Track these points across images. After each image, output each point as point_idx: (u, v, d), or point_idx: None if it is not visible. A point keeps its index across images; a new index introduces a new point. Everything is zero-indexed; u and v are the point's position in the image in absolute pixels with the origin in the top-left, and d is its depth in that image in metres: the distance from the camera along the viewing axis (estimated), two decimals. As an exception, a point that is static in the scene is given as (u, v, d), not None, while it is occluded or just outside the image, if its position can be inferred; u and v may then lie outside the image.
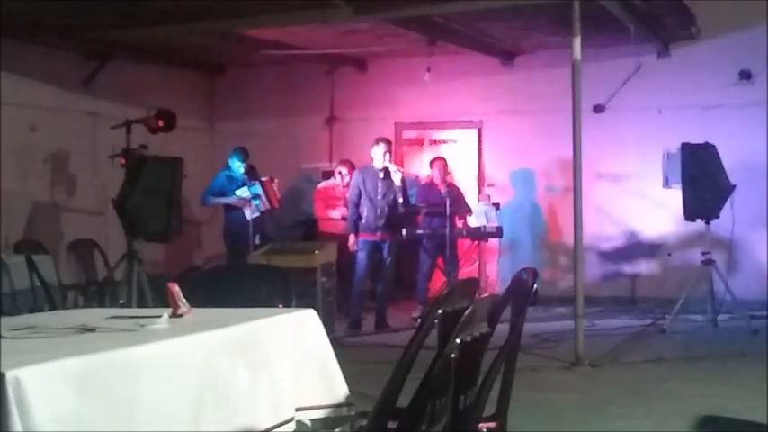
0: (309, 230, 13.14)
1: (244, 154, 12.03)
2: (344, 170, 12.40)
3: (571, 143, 8.98)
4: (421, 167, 13.66)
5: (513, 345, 4.14)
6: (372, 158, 11.29)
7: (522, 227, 13.42)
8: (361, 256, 11.28)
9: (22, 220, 11.85)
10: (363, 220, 11.25)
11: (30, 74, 11.87)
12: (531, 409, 6.62)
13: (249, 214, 11.52)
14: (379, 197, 11.22)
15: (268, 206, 11.69)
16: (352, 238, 11.30)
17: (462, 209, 12.04)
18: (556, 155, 12.78)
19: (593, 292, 11.70)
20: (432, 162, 12.33)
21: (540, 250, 13.39)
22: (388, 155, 11.22)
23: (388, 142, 11.41)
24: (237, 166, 11.94)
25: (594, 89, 12.12)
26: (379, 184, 11.21)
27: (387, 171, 11.22)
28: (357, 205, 11.30)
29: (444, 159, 12.31)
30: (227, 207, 11.95)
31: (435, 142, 14.25)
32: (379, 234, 11.25)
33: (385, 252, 11.33)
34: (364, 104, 14.24)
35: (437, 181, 12.05)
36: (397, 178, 11.19)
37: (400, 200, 11.27)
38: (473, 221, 12.08)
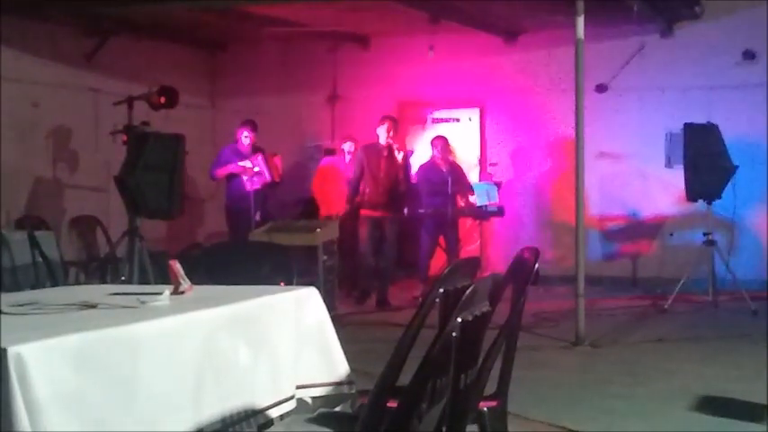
0: (308, 208, 13.12)
1: (253, 126, 11.99)
2: (348, 146, 12.43)
3: (573, 122, 8.97)
4: (423, 146, 13.65)
5: (514, 324, 4.15)
6: (377, 136, 11.34)
7: (524, 206, 13.42)
8: (363, 233, 11.34)
9: (24, 196, 11.86)
10: (366, 197, 11.28)
11: (32, 50, 11.85)
12: (531, 388, 6.63)
13: (249, 184, 11.48)
14: (382, 175, 11.24)
15: (268, 178, 11.68)
16: (352, 214, 11.38)
17: (464, 188, 12.04)
18: (558, 134, 12.77)
19: (595, 272, 11.70)
20: (432, 141, 12.30)
21: (541, 229, 13.38)
22: (392, 132, 11.28)
23: (393, 120, 11.46)
24: (245, 137, 11.87)
25: (597, 68, 12.08)
26: (383, 162, 11.25)
27: (390, 149, 11.26)
28: (360, 182, 11.33)
29: (445, 138, 12.28)
30: (229, 178, 11.91)
31: (437, 121, 14.21)
32: (381, 211, 11.29)
33: (386, 229, 11.37)
34: (366, 82, 14.20)
35: (438, 160, 12.02)
36: (399, 156, 11.25)
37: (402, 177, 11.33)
38: (475, 200, 12.08)
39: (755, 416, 6.06)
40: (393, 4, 11.32)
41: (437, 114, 14.27)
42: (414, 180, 11.95)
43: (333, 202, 12.31)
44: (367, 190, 11.29)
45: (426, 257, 12.02)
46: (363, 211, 11.35)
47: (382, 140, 11.31)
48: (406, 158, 11.56)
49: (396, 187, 11.33)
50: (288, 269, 5.50)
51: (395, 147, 11.31)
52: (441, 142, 12.10)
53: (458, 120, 14.13)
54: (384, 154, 11.27)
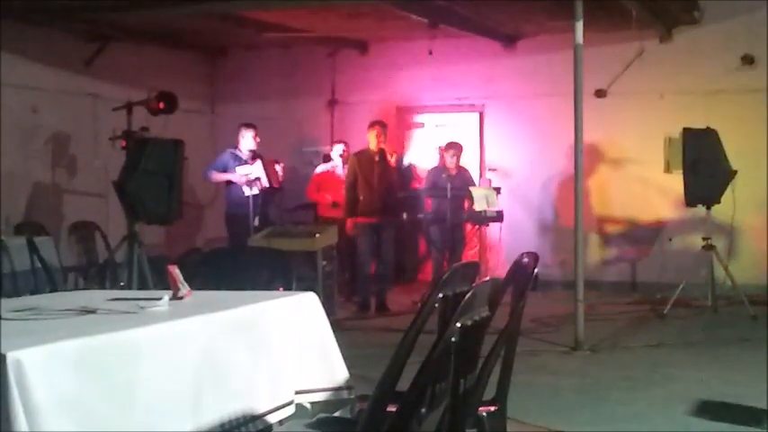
0: (309, 214, 13.11)
1: (253, 129, 11.92)
2: (338, 150, 12.41)
3: (572, 127, 8.97)
4: (423, 151, 13.66)
5: (514, 329, 4.15)
6: (368, 142, 11.34)
7: (524, 211, 13.41)
8: (361, 240, 11.33)
9: (23, 202, 11.86)
10: (361, 204, 11.26)
11: (31, 55, 11.85)
12: (530, 393, 6.64)
13: (248, 190, 11.45)
14: (375, 180, 11.23)
15: (267, 185, 11.64)
16: (349, 222, 11.34)
17: (466, 193, 12.03)
18: (558, 139, 12.76)
19: (594, 277, 11.70)
20: (447, 148, 12.11)
21: (541, 234, 13.38)
22: (382, 137, 11.26)
23: (382, 125, 11.44)
24: (248, 139, 11.79)
25: (596, 73, 12.08)
26: (376, 168, 11.23)
27: (382, 154, 11.25)
28: (354, 189, 11.31)
29: (460, 145, 12.10)
30: (228, 184, 11.86)
31: (437, 126, 14.20)
32: (376, 217, 11.27)
33: (384, 235, 11.35)
34: (365, 87, 14.21)
35: (449, 165, 11.92)
36: (392, 160, 11.24)
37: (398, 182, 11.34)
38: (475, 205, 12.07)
39: (755, 420, 6.07)
40: (392, 9, 11.33)
41: (436, 119, 14.26)
42: (421, 184, 11.95)
43: (329, 208, 12.25)
44: (361, 197, 11.27)
45: (438, 262, 11.93)
46: (359, 219, 11.33)
47: (372, 146, 11.30)
48: (398, 162, 11.53)
49: (390, 192, 11.31)
50: (287, 274, 5.49)
51: (387, 151, 11.30)
52: (455, 150, 11.97)
53: (457, 124, 14.12)
54: (376, 159, 11.26)
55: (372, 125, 11.41)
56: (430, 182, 11.99)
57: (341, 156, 12.41)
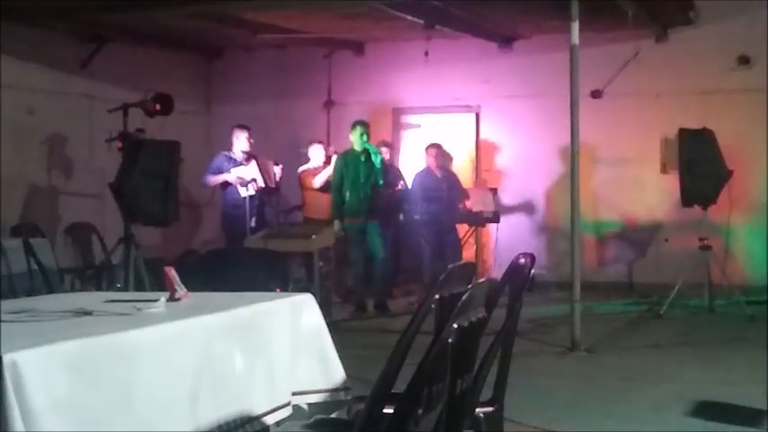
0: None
1: (247, 130, 11.88)
2: (315, 150, 12.32)
3: (569, 128, 8.97)
4: (419, 152, 13.65)
5: (510, 330, 4.15)
6: (352, 142, 11.30)
7: (520, 212, 13.41)
8: (348, 241, 11.32)
9: (20, 204, 11.84)
10: (347, 205, 11.22)
11: (27, 56, 11.84)
12: (527, 393, 6.63)
13: (244, 191, 11.44)
14: (361, 180, 11.20)
15: (263, 185, 11.62)
16: (336, 223, 11.30)
17: (460, 194, 12.04)
18: (554, 140, 12.76)
19: (590, 278, 11.70)
20: (427, 148, 12.28)
21: (537, 235, 13.39)
22: (365, 137, 11.21)
23: (365, 125, 11.38)
24: (242, 140, 11.75)
25: (592, 74, 12.09)
26: (361, 168, 11.20)
27: (367, 154, 11.21)
28: (340, 190, 11.27)
29: (440, 145, 12.26)
30: (224, 185, 11.83)
31: (433, 127, 14.20)
32: (363, 218, 11.24)
33: (372, 235, 11.30)
34: (362, 88, 14.20)
35: (433, 167, 12.01)
36: (377, 160, 11.18)
37: (382, 182, 11.29)
38: (471, 206, 12.10)
39: (752, 421, 6.07)
40: (388, 10, 11.33)
41: (433, 120, 14.26)
42: (409, 187, 11.95)
43: (313, 208, 12.20)
44: (347, 197, 11.24)
45: (430, 263, 11.97)
46: (346, 219, 11.29)
47: (357, 146, 11.26)
48: (384, 162, 11.48)
49: (377, 192, 11.28)
50: (284, 275, 5.50)
51: (372, 151, 11.24)
52: (434, 151, 12.10)
53: (453, 125, 14.12)
54: (361, 159, 11.23)
55: (355, 125, 11.36)
56: (417, 184, 12.01)
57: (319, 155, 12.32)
